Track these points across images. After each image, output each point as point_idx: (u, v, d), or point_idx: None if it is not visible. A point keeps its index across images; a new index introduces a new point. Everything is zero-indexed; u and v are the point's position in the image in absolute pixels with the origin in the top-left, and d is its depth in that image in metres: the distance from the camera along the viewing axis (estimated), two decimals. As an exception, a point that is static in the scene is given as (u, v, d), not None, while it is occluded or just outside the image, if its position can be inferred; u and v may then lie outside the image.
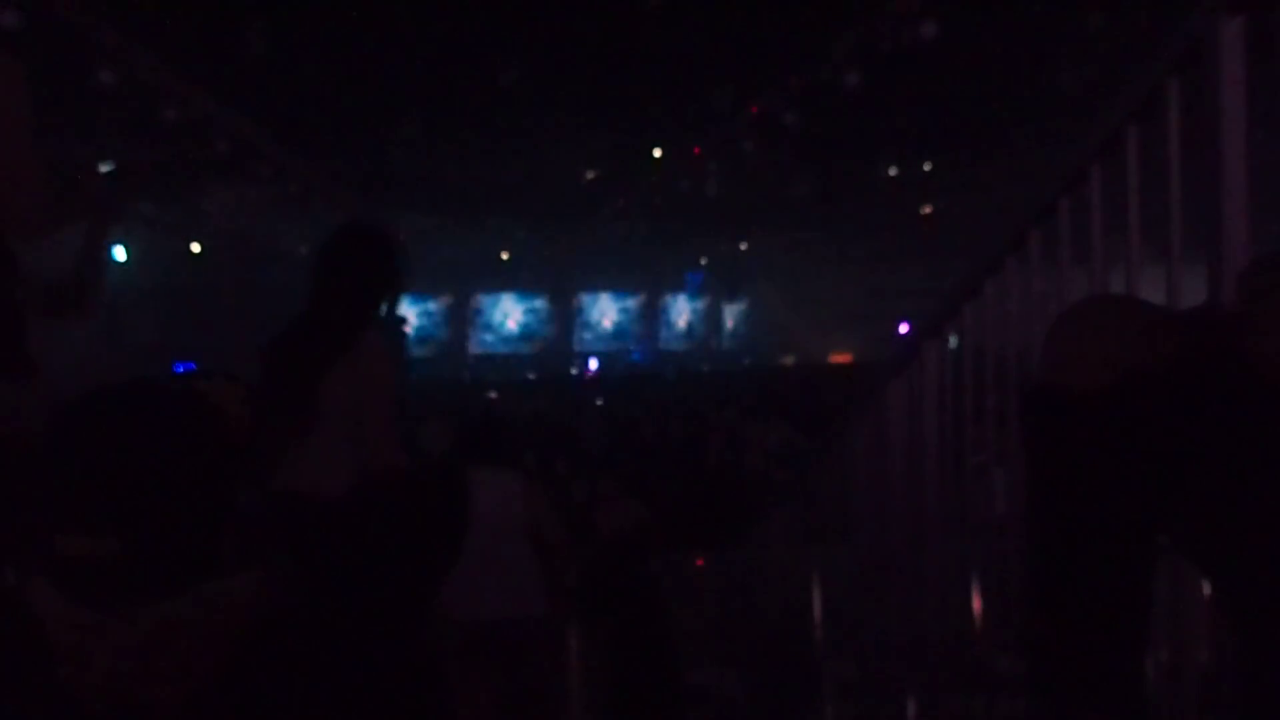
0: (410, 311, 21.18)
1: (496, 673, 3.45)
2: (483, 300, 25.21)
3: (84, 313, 2.06)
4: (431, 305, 24.35)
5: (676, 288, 26.97)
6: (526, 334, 25.86)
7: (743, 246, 22.39)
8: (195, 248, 17.29)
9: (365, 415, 2.53)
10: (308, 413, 2.48)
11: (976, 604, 2.43)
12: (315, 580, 1.04)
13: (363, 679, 1.12)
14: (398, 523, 2.42)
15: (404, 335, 14.54)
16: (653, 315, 27.39)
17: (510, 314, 25.66)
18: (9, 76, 1.65)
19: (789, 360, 24.42)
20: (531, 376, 21.70)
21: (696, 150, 13.86)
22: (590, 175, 16.06)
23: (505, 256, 22.69)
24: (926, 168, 15.71)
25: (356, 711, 1.11)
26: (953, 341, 2.56)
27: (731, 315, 28.45)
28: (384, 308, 2.68)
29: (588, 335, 26.56)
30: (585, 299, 26.32)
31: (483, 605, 3.42)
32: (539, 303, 25.55)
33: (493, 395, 15.51)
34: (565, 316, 25.96)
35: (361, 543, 2.45)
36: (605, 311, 26.88)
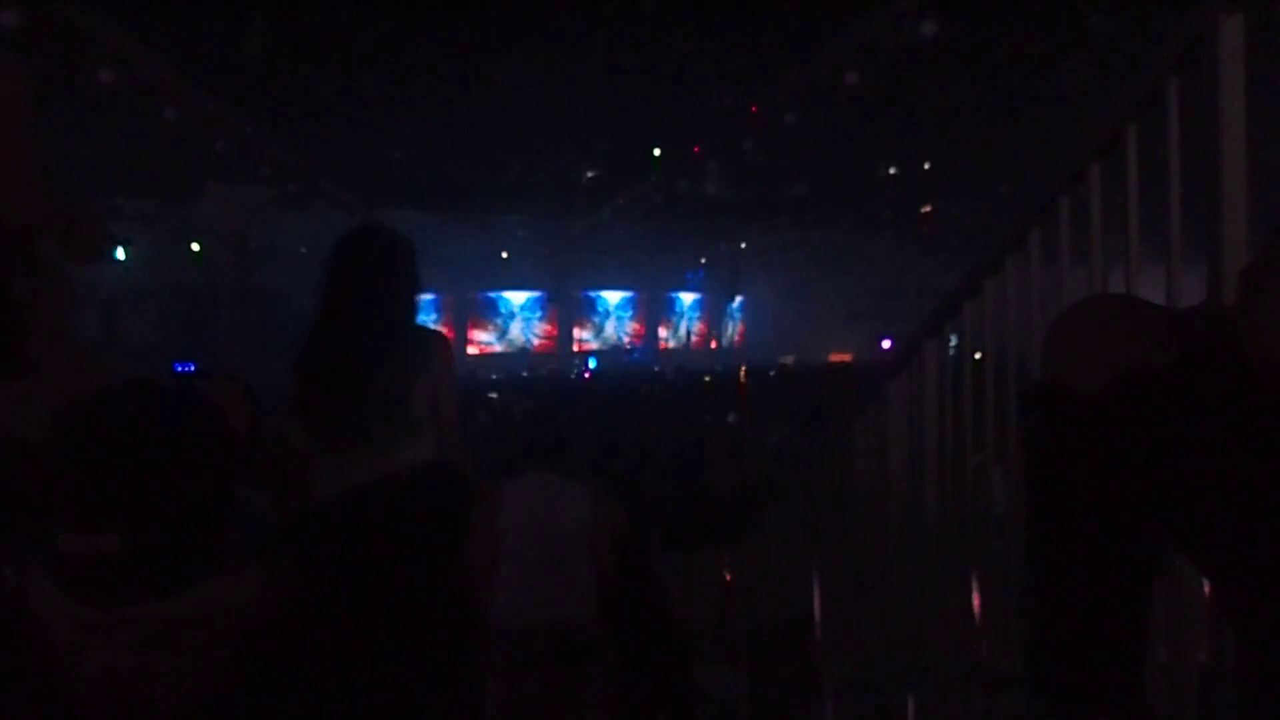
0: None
1: (552, 675, 3.46)
2: (481, 299, 25.21)
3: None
4: (430, 303, 24.33)
5: (676, 287, 26.98)
6: (526, 333, 25.87)
7: (743, 246, 22.39)
8: (195, 247, 17.30)
9: (440, 412, 2.54)
10: (397, 414, 2.46)
11: (976, 604, 2.43)
12: (317, 571, 1.04)
13: (364, 678, 1.12)
14: (397, 515, 2.41)
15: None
16: (652, 315, 27.40)
17: (509, 313, 25.67)
18: (8, 74, 1.65)
19: (789, 360, 24.41)
20: (525, 374, 21.70)
21: (696, 150, 13.86)
22: (590, 175, 16.05)
23: (505, 255, 22.69)
24: (926, 167, 15.71)
25: (356, 710, 1.11)
26: (953, 341, 2.56)
27: (731, 315, 28.46)
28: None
29: (587, 334, 26.58)
30: (585, 298, 26.32)
31: (538, 610, 3.42)
32: (538, 301, 25.55)
33: (492, 395, 15.52)
34: (565, 315, 25.96)
35: (362, 533, 2.45)
36: (604, 311, 26.88)
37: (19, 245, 1.74)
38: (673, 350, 27.19)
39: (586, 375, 21.93)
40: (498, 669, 3.44)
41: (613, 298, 26.82)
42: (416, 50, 10.00)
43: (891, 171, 15.89)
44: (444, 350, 2.62)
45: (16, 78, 1.67)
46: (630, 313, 27.26)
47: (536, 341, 25.91)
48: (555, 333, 25.96)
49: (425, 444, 2.52)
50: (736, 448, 8.78)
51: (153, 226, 15.78)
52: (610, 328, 27.03)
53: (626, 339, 27.12)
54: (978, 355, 2.24)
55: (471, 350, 24.93)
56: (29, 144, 1.68)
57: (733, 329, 28.85)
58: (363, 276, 2.57)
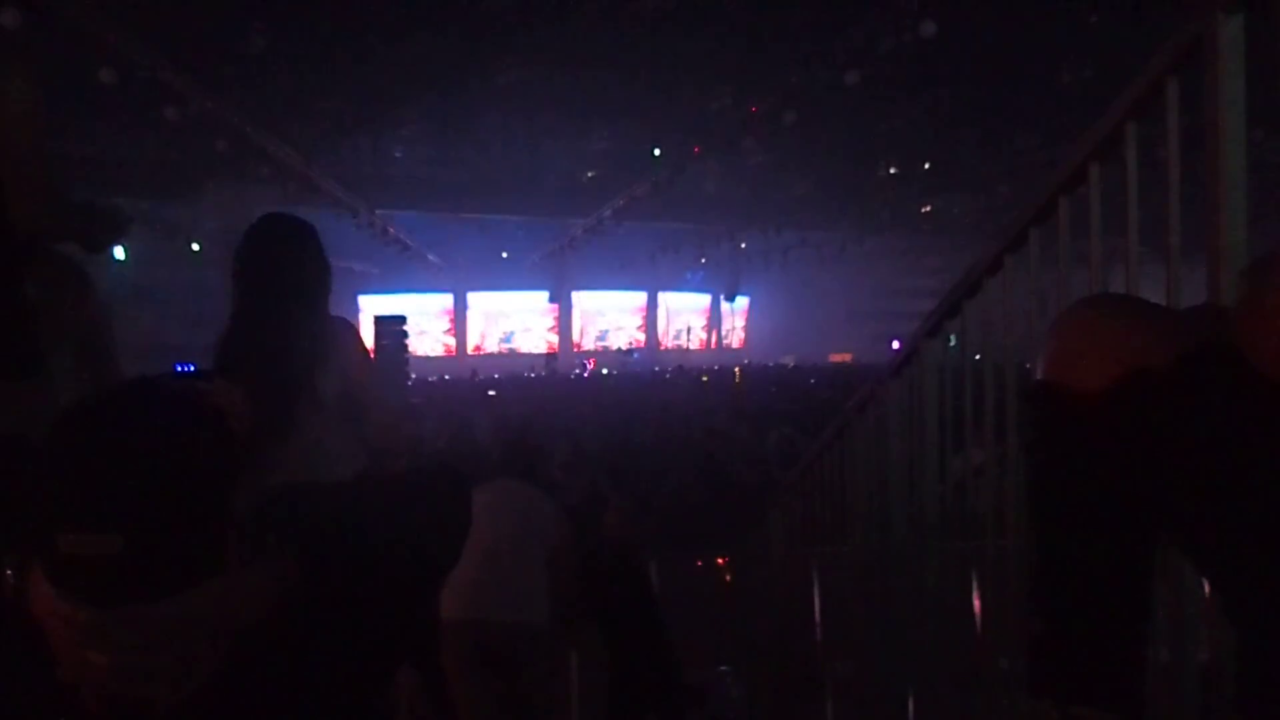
0: (409, 309, 21.17)
1: (495, 675, 3.44)
2: (481, 300, 25.20)
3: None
4: (431, 302, 24.33)
5: (677, 287, 26.97)
6: (526, 334, 25.85)
7: (743, 245, 22.39)
8: (195, 247, 17.29)
9: (361, 399, 2.54)
10: (309, 409, 2.47)
11: (976, 604, 2.43)
12: (317, 572, 1.04)
13: (362, 678, 1.12)
14: (398, 516, 2.41)
15: (403, 333, 14.49)
16: (652, 315, 27.39)
17: (509, 313, 25.66)
18: (24, 91, 1.67)
19: (790, 360, 24.41)
20: (528, 375, 21.72)
21: (696, 150, 13.86)
22: (590, 175, 16.05)
23: (505, 255, 22.69)
24: (926, 166, 15.72)
25: (356, 709, 1.11)
26: (953, 341, 2.56)
27: (731, 315, 28.45)
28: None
29: (587, 335, 26.57)
30: (584, 298, 26.31)
31: (489, 607, 3.42)
32: (538, 301, 25.54)
33: (492, 394, 15.52)
34: (565, 316, 25.96)
35: (362, 534, 2.44)
36: (604, 311, 26.87)
37: (29, 251, 1.75)
38: (672, 350, 27.19)
39: (586, 376, 21.95)
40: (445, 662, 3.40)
41: (613, 298, 26.81)
42: (417, 50, 10.00)
43: (892, 171, 15.90)
44: (349, 338, 2.61)
45: (31, 95, 1.68)
46: (630, 313, 27.26)
47: (536, 342, 25.91)
48: (556, 333, 25.96)
49: (330, 429, 2.50)
50: (736, 447, 8.78)
51: (152, 226, 15.77)
52: (610, 328, 27.03)
53: (626, 340, 27.11)
54: (977, 356, 2.24)
55: (472, 351, 24.94)
56: (40, 155, 1.70)
57: (733, 329, 28.85)
58: (258, 269, 2.64)
